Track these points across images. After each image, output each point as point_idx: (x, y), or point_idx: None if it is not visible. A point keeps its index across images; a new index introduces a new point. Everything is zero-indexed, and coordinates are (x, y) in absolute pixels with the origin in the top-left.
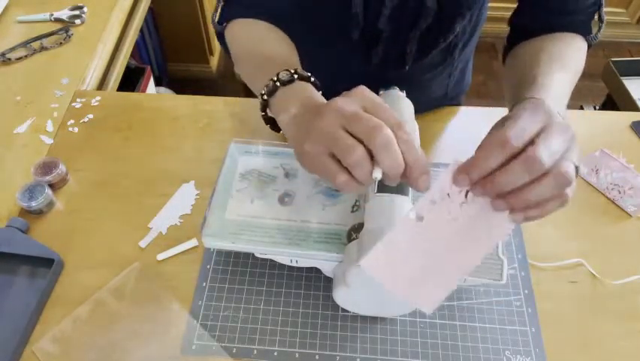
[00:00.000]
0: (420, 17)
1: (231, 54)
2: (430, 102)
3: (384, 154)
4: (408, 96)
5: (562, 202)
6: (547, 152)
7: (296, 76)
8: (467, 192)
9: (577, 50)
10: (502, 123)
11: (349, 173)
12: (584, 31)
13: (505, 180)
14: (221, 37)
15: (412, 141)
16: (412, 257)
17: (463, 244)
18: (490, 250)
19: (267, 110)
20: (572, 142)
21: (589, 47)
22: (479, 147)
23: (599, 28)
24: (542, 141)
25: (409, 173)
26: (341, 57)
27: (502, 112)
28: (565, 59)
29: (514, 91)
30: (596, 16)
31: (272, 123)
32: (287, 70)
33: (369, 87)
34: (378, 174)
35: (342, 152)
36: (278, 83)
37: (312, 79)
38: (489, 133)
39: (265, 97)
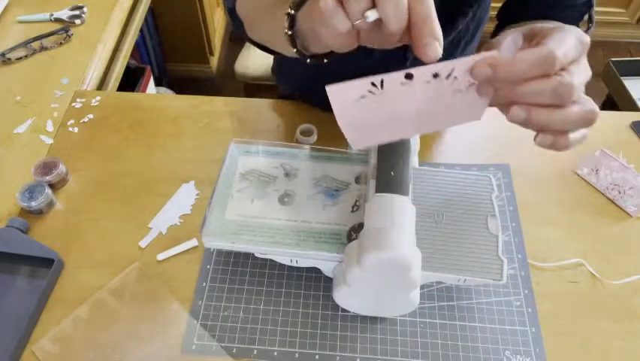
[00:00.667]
0: None
1: (243, 18)
2: None
3: None
4: None
5: (582, 138)
6: (577, 84)
7: None
8: (471, 84)
9: None
10: (533, 31)
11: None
12: None
13: (530, 90)
14: (232, 12)
15: (427, 1)
16: (378, 109)
17: (433, 115)
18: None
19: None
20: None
21: None
22: (520, 56)
23: (588, 28)
24: (576, 72)
25: (415, 33)
26: (343, 52)
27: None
28: None
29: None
30: (586, 17)
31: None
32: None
33: None
34: (372, 15)
35: None
36: None
37: None
38: (513, 39)
39: (292, 11)
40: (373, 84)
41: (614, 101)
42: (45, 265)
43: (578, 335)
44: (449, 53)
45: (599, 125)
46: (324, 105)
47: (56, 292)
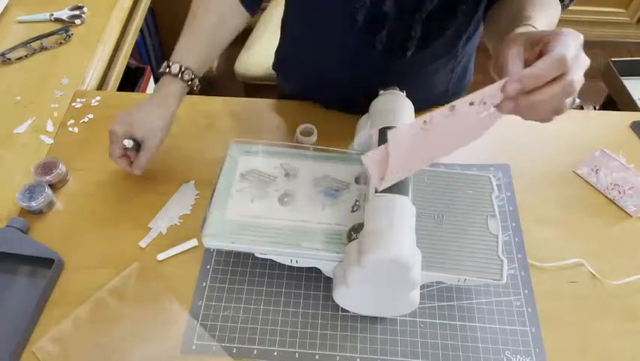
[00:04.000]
0: None
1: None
2: (431, 99)
3: None
4: (409, 90)
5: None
6: (578, 80)
7: (167, 70)
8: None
9: (556, 10)
10: (533, 40)
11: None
12: None
13: (545, 97)
14: None
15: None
16: (410, 152)
17: (456, 137)
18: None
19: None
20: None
21: (563, 7)
22: (537, 63)
23: (570, 2)
24: (576, 68)
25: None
26: (345, 44)
27: None
28: (548, 12)
29: (506, 31)
30: None
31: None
32: (167, 62)
33: (371, 76)
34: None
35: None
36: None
37: (180, 75)
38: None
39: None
40: (425, 122)
41: (614, 101)
42: (45, 265)
43: (578, 335)
44: (451, 45)
45: (599, 125)
46: (325, 103)
47: (56, 292)
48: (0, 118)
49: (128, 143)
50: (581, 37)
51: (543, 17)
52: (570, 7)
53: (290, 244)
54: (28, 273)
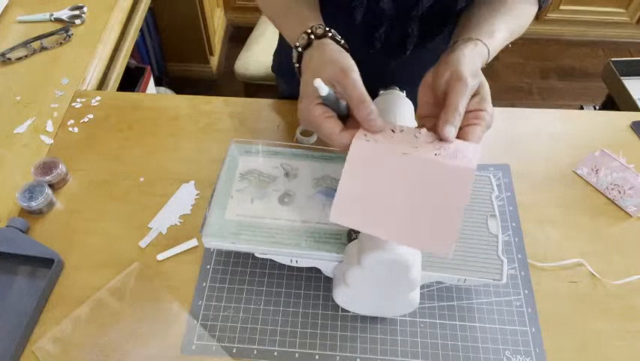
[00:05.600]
0: None
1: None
2: None
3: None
4: (409, 92)
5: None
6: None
7: (330, 34)
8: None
9: (529, 14)
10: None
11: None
12: None
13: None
14: None
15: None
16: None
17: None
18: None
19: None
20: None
21: (540, 8)
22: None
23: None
24: (489, 104)
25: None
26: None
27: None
28: (517, 19)
29: (469, 27)
30: None
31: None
32: (321, 25)
33: (371, 75)
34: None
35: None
36: (313, 37)
37: (342, 41)
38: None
39: (300, 49)
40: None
41: (614, 101)
42: (45, 265)
43: (578, 335)
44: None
45: (599, 125)
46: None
47: (56, 292)
48: (0, 118)
49: (323, 89)
50: (479, 77)
51: (505, 29)
52: (570, 7)
53: (290, 244)
54: (28, 273)
